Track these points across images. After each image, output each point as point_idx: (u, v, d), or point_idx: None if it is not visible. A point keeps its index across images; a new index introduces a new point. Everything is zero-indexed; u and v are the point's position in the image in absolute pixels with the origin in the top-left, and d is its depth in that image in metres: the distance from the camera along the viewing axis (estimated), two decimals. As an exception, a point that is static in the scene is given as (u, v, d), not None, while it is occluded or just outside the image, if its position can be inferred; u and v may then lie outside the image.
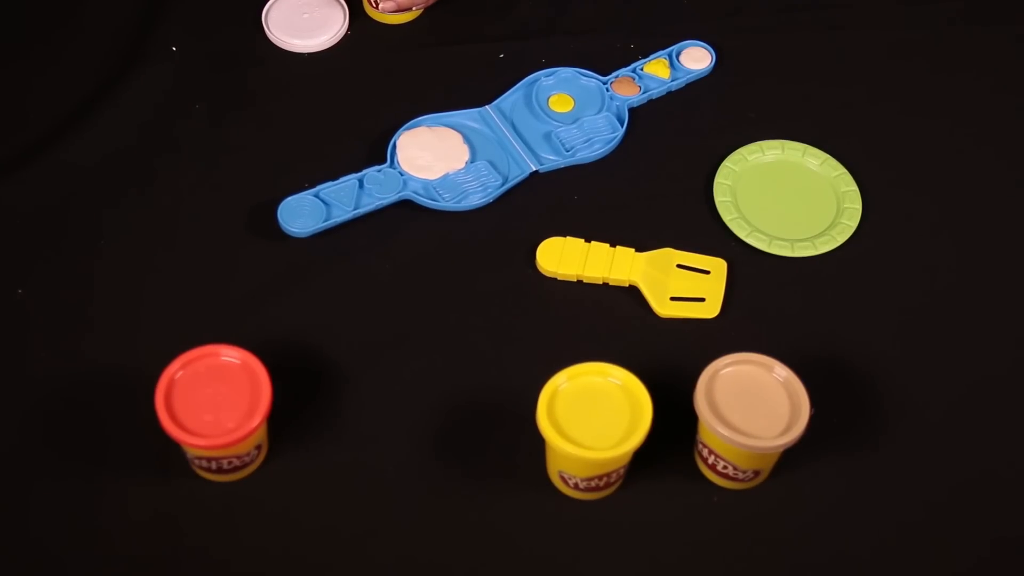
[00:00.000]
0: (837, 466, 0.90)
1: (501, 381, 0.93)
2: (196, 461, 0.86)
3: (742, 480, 0.88)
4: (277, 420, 0.87)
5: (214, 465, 0.86)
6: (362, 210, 1.02)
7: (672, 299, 0.98)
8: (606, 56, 1.14)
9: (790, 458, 0.87)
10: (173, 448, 0.86)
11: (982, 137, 1.10)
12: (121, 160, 1.06)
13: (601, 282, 0.99)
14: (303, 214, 1.01)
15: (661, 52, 1.14)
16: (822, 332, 0.97)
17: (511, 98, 1.10)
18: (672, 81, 1.12)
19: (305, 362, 0.94)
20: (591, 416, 0.85)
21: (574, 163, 1.07)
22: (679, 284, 0.99)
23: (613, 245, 1.00)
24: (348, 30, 1.16)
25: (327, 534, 0.86)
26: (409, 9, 1.14)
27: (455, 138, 1.07)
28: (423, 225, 1.02)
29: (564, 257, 0.99)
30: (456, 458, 0.90)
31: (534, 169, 1.06)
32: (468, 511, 0.88)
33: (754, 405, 0.85)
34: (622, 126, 1.08)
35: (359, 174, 1.03)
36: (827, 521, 0.88)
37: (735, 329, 0.96)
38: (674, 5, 1.20)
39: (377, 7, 1.14)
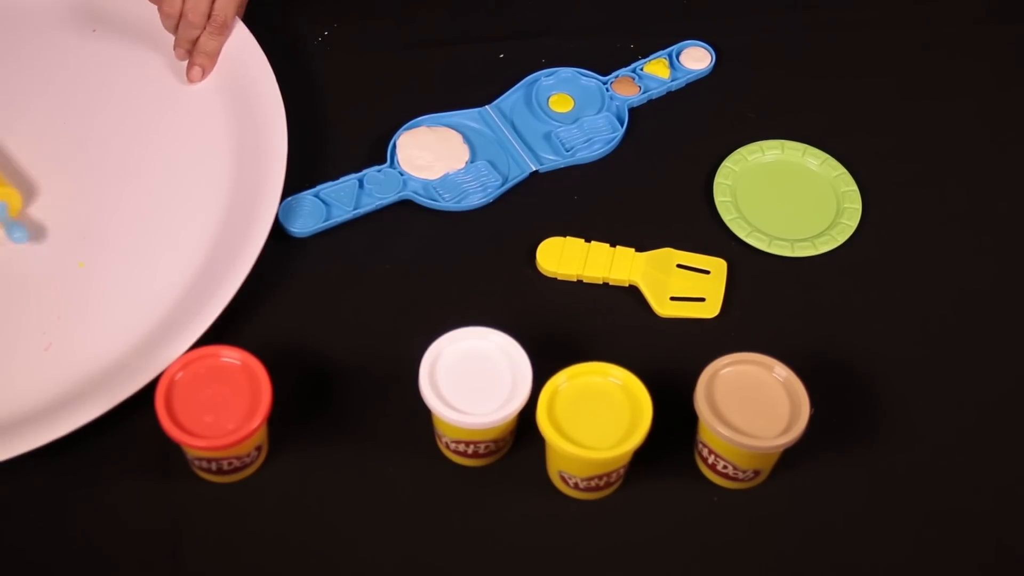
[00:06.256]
0: (837, 466, 0.90)
1: (501, 381, 0.93)
2: (196, 462, 0.86)
3: (742, 480, 0.88)
4: (277, 421, 0.87)
5: (214, 466, 0.86)
6: (362, 210, 1.02)
7: (672, 299, 0.98)
8: (606, 56, 1.14)
9: (790, 458, 0.87)
10: (173, 449, 0.86)
11: (983, 137, 1.10)
12: (121, 160, 1.06)
13: (601, 282, 0.99)
14: (303, 214, 1.01)
15: (661, 52, 1.14)
16: (822, 332, 0.97)
17: (511, 98, 1.10)
18: (672, 81, 1.12)
19: (305, 362, 0.94)
20: (591, 416, 0.84)
21: (574, 163, 1.07)
22: (679, 284, 0.99)
23: (613, 245, 1.00)
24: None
25: (327, 534, 0.86)
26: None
27: (455, 138, 1.07)
28: (423, 225, 1.02)
29: (564, 257, 0.99)
30: (456, 458, 0.90)
31: (534, 169, 1.06)
32: (467, 510, 0.88)
33: (754, 405, 0.85)
34: (622, 126, 1.08)
35: (359, 174, 1.04)
36: (827, 521, 0.88)
37: (735, 329, 0.96)
38: (674, 5, 1.20)
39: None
